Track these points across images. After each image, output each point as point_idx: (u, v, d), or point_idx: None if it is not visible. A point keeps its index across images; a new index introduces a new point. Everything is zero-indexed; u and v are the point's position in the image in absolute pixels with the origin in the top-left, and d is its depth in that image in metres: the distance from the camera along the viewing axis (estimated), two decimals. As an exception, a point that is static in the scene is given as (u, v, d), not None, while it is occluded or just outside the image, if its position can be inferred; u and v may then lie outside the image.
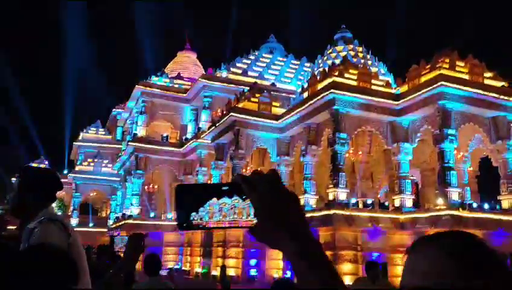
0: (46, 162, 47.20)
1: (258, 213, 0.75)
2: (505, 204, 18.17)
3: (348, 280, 16.76)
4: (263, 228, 0.75)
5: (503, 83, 19.25)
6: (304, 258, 0.72)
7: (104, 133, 44.42)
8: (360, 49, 25.24)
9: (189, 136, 30.57)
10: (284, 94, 27.93)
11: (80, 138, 43.28)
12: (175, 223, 23.10)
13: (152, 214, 30.22)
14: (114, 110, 45.19)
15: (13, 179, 46.11)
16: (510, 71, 20.73)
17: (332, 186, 18.47)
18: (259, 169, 0.92)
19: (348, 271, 16.89)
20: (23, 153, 51.17)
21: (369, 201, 19.43)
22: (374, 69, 22.44)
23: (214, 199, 0.78)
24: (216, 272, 21.59)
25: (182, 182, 29.31)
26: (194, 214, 0.78)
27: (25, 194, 2.34)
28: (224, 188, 0.79)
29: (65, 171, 43.11)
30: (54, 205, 2.51)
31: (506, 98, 18.71)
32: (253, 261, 21.26)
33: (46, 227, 2.16)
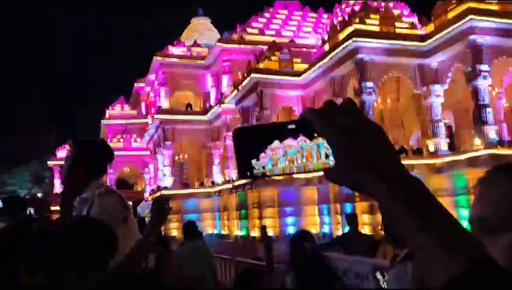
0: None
1: (338, 152, 0.60)
2: (546, 137, 17.44)
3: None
4: (345, 168, 0.60)
5: (538, 10, 18.00)
6: (401, 200, 0.55)
7: (129, 108, 44.88)
8: (380, -9, 23.99)
9: (212, 102, 30.48)
10: (304, 49, 27.13)
11: (107, 115, 43.91)
12: (210, 188, 23.29)
13: (185, 183, 30.76)
14: (135, 84, 45.40)
15: (49, 163, 47.80)
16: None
17: (362, 136, 18.10)
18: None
19: (386, 220, 16.81)
20: (50, 138, 52.57)
21: (402, 148, 19.04)
22: (396, 12, 21.40)
23: (276, 142, 0.64)
24: (254, 233, 21.98)
25: (211, 148, 29.81)
26: (255, 161, 0.65)
27: (78, 165, 2.32)
28: (289, 126, 0.64)
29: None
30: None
31: (541, 25, 17.55)
32: (289, 220, 21.47)
33: (106, 199, 2.19)
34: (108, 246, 1.61)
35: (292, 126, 0.64)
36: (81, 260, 1.51)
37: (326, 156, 0.62)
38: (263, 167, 0.64)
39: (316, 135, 0.62)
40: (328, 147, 0.61)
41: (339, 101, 0.60)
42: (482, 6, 17.16)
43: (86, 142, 2.54)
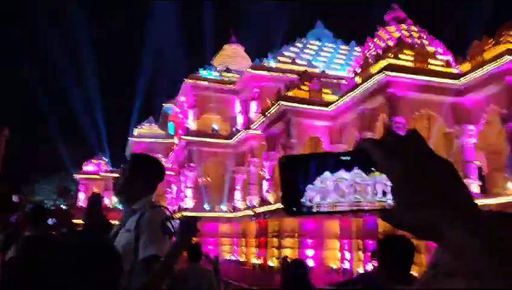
0: (105, 159, 49.45)
1: (402, 187, 0.51)
2: None
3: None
4: (409, 209, 0.50)
5: None
6: (486, 244, 0.46)
7: (157, 128, 45.67)
8: (415, 28, 23.90)
9: (239, 127, 30.65)
10: (334, 81, 27.16)
11: (135, 133, 44.77)
12: (230, 213, 23.19)
13: (206, 206, 30.67)
14: (165, 105, 46.32)
15: (75, 176, 48.76)
16: None
17: (390, 173, 17.70)
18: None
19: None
20: (80, 151, 53.76)
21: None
22: (430, 49, 21.19)
23: (327, 173, 0.55)
24: (272, 262, 21.52)
25: (235, 173, 29.76)
26: (303, 194, 0.56)
27: (135, 178, 2.39)
28: (343, 157, 0.56)
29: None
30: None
31: None
32: (310, 252, 20.95)
33: (156, 212, 2.28)
34: (112, 267, 1.54)
35: (347, 157, 0.56)
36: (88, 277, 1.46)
37: (384, 193, 0.54)
38: (310, 201, 0.55)
39: (373, 169, 0.54)
40: (387, 183, 0.53)
41: (368, 135, 0.51)
42: (521, 48, 16.79)
43: (145, 158, 2.62)
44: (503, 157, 18.50)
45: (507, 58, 16.28)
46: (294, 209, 0.56)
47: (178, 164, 34.84)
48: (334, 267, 20.72)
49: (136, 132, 45.03)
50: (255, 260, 24.67)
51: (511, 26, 17.69)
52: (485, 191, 19.24)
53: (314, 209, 0.56)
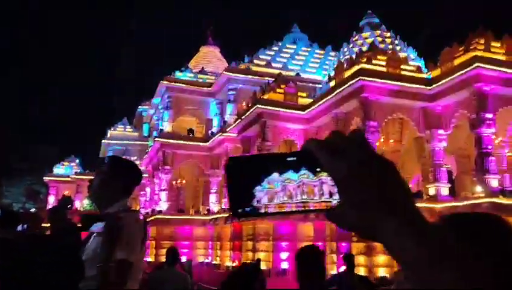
0: (77, 161, 48.31)
1: (346, 188, 0.53)
2: (549, 190, 17.24)
3: (382, 272, 16.33)
4: (354, 207, 0.52)
5: (544, 62, 18.19)
6: (423, 244, 0.48)
7: (131, 130, 45.00)
8: (388, 34, 24.44)
9: (214, 130, 30.52)
10: (309, 84, 27.40)
11: (108, 135, 43.98)
12: (205, 216, 22.99)
13: (181, 209, 30.37)
14: (139, 107, 45.75)
15: (45, 178, 47.40)
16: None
17: (363, 176, 17.94)
18: None
19: (382, 263, 16.43)
20: (52, 152, 52.40)
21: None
22: (403, 54, 21.70)
23: (275, 175, 0.56)
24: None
25: (210, 176, 29.61)
26: (251, 195, 0.56)
27: (112, 181, 2.35)
28: (289, 158, 0.56)
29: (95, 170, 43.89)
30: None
31: (547, 78, 17.69)
32: (284, 255, 21.00)
33: (128, 217, 2.22)
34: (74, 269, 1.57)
35: (293, 158, 0.56)
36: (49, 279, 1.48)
37: (330, 195, 0.56)
38: (258, 201, 0.56)
39: (319, 169, 0.56)
40: (333, 184, 0.54)
41: None
42: (489, 55, 17.36)
43: (123, 161, 2.57)
44: (471, 161, 19.04)
45: (476, 65, 16.78)
46: (241, 211, 0.56)
47: (152, 166, 34.39)
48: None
49: (109, 133, 44.24)
50: (229, 263, 24.54)
51: (480, 34, 18.27)
52: (454, 194, 19.75)
53: (262, 210, 0.56)
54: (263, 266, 20.26)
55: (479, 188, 16.67)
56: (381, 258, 17.57)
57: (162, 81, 32.56)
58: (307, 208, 0.56)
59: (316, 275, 2.84)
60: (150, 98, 39.10)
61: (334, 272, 17.06)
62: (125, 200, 2.40)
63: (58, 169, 47.02)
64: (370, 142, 0.55)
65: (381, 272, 16.33)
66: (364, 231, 0.52)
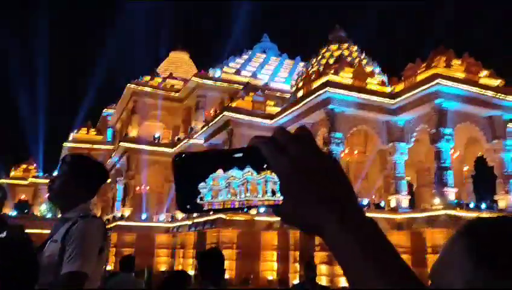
0: (35, 164, 46.48)
1: (288, 184, 0.54)
2: (502, 204, 18.05)
3: (344, 282, 16.50)
4: (297, 202, 0.53)
5: (499, 82, 19.16)
6: (359, 242, 0.50)
7: (94, 133, 43.78)
8: (355, 48, 25.03)
9: (181, 136, 30.15)
10: (278, 94, 27.65)
11: (70, 138, 42.59)
12: (168, 223, 22.60)
13: (144, 216, 29.70)
14: (105, 110, 44.64)
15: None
16: (505, 69, 20.66)
17: (327, 186, 18.18)
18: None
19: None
20: (10, 154, 50.30)
21: (365, 201, 19.20)
22: (368, 68, 22.26)
23: (220, 171, 0.56)
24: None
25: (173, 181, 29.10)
26: (197, 192, 0.57)
27: (74, 182, 2.18)
28: (236, 155, 0.56)
29: (55, 173, 42.36)
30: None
31: (502, 97, 18.61)
32: (247, 263, 20.88)
33: (88, 224, 2.07)
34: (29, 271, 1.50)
35: (239, 155, 0.57)
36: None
37: (273, 193, 0.56)
38: (201, 199, 0.56)
39: (265, 167, 0.56)
40: (276, 182, 0.55)
41: None
42: (449, 73, 18.09)
43: (86, 159, 2.37)
44: (431, 174, 19.69)
45: (436, 81, 17.44)
46: (188, 207, 0.56)
47: (116, 171, 33.55)
48: (271, 278, 20.81)
49: (72, 136, 42.86)
50: (192, 272, 24.17)
51: (442, 51, 19.03)
52: (413, 206, 20.33)
53: (206, 207, 0.56)
54: (226, 275, 20.06)
55: (437, 200, 17.22)
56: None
57: (128, 85, 31.94)
58: (251, 205, 0.56)
59: (217, 275, 3.16)
60: (116, 102, 38.28)
61: (296, 281, 17.12)
62: (88, 202, 2.24)
63: (16, 173, 45.11)
64: (314, 138, 0.55)
65: (343, 282, 16.52)
66: (310, 228, 0.52)
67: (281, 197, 0.55)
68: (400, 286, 0.46)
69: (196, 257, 23.27)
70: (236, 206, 0.57)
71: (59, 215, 2.21)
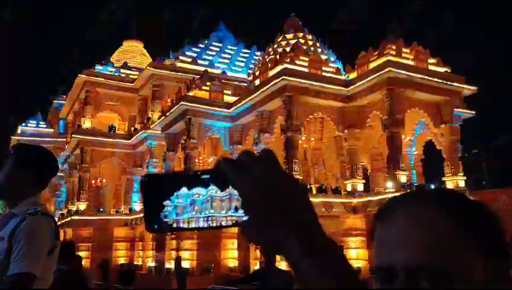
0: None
1: (251, 204, 0.56)
2: (450, 185, 19.05)
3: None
4: (259, 223, 0.55)
5: (446, 69, 20.07)
6: (318, 265, 0.53)
7: (45, 126, 41.91)
8: (310, 36, 25.31)
9: (138, 126, 29.52)
10: (235, 82, 27.53)
11: (19, 131, 40.56)
12: (127, 215, 22.13)
13: (101, 209, 28.96)
14: (55, 102, 42.77)
15: None
16: (452, 57, 21.67)
17: (286, 173, 18.47)
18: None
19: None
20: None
21: (323, 187, 19.69)
22: (323, 56, 22.64)
23: (184, 189, 0.59)
24: (170, 265, 21.09)
25: (133, 174, 28.61)
26: (163, 210, 0.60)
27: (21, 172, 2.01)
28: (203, 176, 0.59)
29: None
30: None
31: (449, 83, 19.52)
32: (207, 253, 20.93)
33: (36, 221, 1.92)
34: None
35: (206, 176, 0.59)
36: None
37: (236, 209, 0.58)
38: (166, 217, 0.58)
39: (230, 187, 0.58)
40: (240, 199, 0.57)
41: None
42: (400, 60, 18.76)
43: (34, 147, 2.20)
44: (384, 158, 20.44)
45: (388, 69, 18.04)
46: (156, 226, 0.59)
47: (69, 165, 32.38)
48: (232, 265, 21.00)
49: (20, 129, 40.82)
50: (151, 264, 23.94)
51: (392, 40, 19.67)
52: (368, 190, 21.09)
53: (174, 225, 0.59)
54: (186, 264, 20.04)
55: (390, 184, 17.95)
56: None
57: (80, 74, 30.75)
58: (215, 222, 0.59)
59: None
60: (67, 92, 36.76)
61: (257, 267, 17.38)
62: (37, 195, 2.07)
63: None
64: (278, 161, 0.58)
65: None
66: (273, 247, 0.55)
67: (243, 214, 0.57)
68: None
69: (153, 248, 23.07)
70: (201, 224, 0.59)
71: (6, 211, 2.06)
